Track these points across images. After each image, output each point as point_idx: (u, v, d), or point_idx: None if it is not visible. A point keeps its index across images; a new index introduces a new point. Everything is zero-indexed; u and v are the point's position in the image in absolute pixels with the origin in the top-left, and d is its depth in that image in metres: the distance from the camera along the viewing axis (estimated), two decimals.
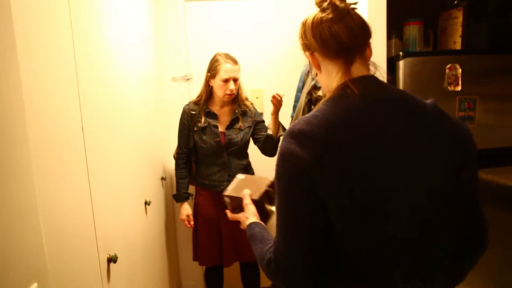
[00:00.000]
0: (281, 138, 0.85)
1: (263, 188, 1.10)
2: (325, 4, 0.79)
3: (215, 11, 2.44)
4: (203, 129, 2.03)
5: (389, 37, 1.95)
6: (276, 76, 2.49)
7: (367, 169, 0.70)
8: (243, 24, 2.46)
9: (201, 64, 2.19)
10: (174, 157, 2.18)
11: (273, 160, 0.80)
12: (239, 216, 1.07)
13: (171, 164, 2.30)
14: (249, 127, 2.09)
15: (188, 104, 2.09)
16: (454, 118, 0.80)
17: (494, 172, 1.91)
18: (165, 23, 2.41)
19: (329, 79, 0.83)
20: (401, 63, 1.81)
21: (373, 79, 0.81)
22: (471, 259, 0.87)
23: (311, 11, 0.83)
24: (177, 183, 2.13)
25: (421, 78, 1.82)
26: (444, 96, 1.81)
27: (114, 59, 1.33)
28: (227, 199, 1.18)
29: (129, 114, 1.51)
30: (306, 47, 0.85)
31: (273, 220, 0.86)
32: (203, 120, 2.04)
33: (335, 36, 0.78)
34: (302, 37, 0.84)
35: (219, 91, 1.99)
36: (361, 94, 0.75)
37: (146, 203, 1.69)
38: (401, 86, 1.80)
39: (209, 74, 2.00)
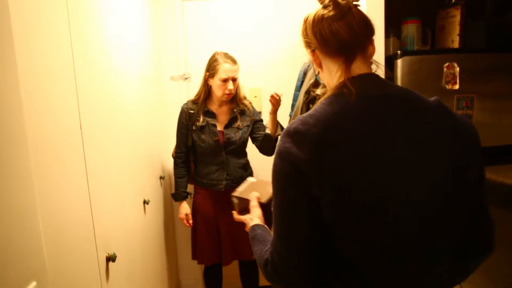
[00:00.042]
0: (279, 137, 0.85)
1: (272, 192, 1.11)
2: (327, 1, 0.78)
3: (213, 10, 2.44)
4: (202, 128, 2.03)
5: (387, 36, 1.96)
6: (275, 75, 2.49)
7: (365, 167, 0.70)
8: (241, 23, 2.46)
9: (199, 63, 2.19)
10: (172, 156, 2.18)
11: (272, 159, 0.80)
12: (244, 218, 1.07)
13: (169, 163, 2.30)
14: (248, 126, 2.09)
15: (186, 103, 2.09)
16: (460, 116, 0.79)
17: (492, 171, 1.92)
18: (164, 22, 2.41)
19: (330, 77, 0.82)
20: (399, 62, 1.81)
21: (374, 76, 0.81)
22: (476, 259, 0.85)
23: (310, 10, 0.82)
24: (176, 182, 2.13)
25: (419, 76, 1.82)
26: (442, 95, 1.82)
27: (112, 58, 1.33)
28: (235, 200, 1.18)
29: (128, 113, 1.51)
30: (308, 44, 0.84)
31: None
32: (201, 119, 2.03)
33: (336, 34, 0.77)
34: (303, 34, 0.84)
35: (218, 91, 1.98)
36: (360, 92, 0.75)
37: (145, 202, 1.69)
38: (399, 84, 1.80)
39: (207, 73, 2.00)
